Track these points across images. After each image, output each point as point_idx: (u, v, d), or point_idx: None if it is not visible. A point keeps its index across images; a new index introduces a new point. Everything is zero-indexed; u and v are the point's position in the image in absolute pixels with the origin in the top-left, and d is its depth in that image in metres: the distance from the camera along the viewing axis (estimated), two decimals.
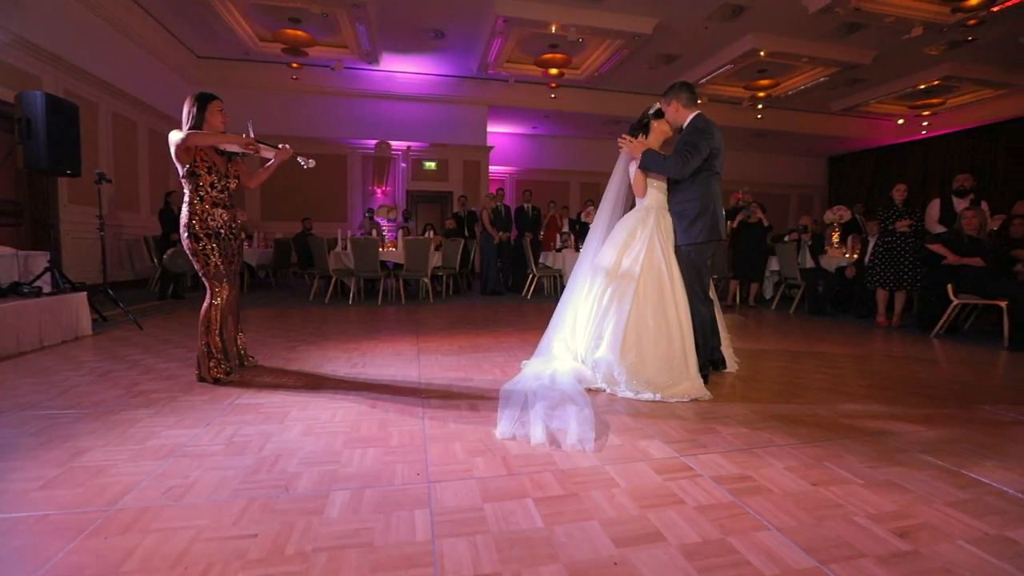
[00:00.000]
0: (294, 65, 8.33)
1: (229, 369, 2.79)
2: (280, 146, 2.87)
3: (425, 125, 10.51)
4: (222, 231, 2.75)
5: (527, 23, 7.77)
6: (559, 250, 8.03)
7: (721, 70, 9.54)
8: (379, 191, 10.49)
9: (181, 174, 2.68)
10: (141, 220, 7.96)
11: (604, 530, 1.35)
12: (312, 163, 2.99)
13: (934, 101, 10.57)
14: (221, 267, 2.71)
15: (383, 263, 6.73)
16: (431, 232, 7.98)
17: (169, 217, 6.54)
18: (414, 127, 10.43)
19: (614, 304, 2.76)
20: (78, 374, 2.88)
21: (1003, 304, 4.08)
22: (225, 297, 2.75)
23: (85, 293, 4.11)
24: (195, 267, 2.73)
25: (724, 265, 7.09)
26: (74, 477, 1.62)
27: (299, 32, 7.70)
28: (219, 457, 1.78)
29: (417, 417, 2.23)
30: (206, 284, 2.74)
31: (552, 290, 8.18)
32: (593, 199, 11.68)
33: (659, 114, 3.04)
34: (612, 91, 11.26)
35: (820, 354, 3.74)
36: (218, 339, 2.74)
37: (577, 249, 8.28)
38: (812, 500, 1.53)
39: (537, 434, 1.97)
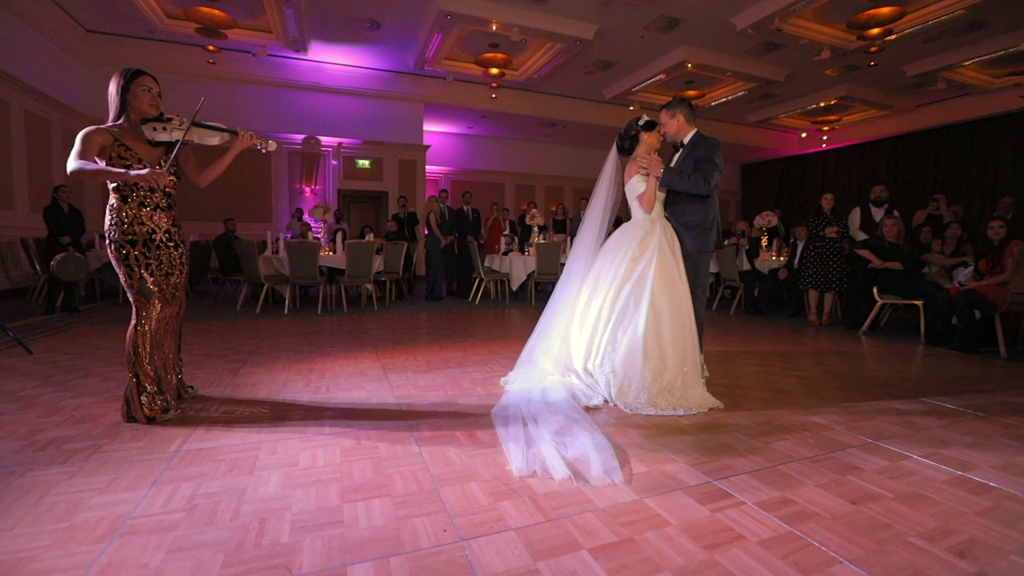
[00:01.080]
0: (210, 48, 7.43)
1: (167, 405, 2.32)
2: (240, 131, 2.44)
3: (358, 121, 9.90)
4: (156, 237, 2.28)
5: (470, 20, 7.54)
6: (505, 253, 7.89)
7: (653, 79, 9.92)
8: (308, 190, 9.72)
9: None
10: (17, 219, 6.70)
11: None
12: (272, 146, 2.58)
13: (831, 118, 11.77)
14: (148, 281, 2.23)
15: (320, 269, 6.19)
16: (371, 235, 7.50)
17: (58, 216, 5.54)
18: (345, 123, 9.77)
19: (629, 313, 2.67)
20: None
21: (919, 303, 4.54)
22: (156, 317, 2.27)
23: None
24: (121, 280, 2.24)
25: None
26: None
27: (216, 11, 6.88)
28: (184, 530, 1.42)
29: (412, 452, 1.97)
30: (131, 301, 2.26)
31: (499, 295, 8.01)
32: (535, 201, 11.73)
33: (648, 126, 2.99)
34: (547, 94, 11.33)
35: (778, 353, 3.93)
36: (149, 368, 2.26)
37: (522, 251, 8.21)
38: (861, 522, 1.50)
39: (559, 469, 1.79)
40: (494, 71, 9.00)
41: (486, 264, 7.91)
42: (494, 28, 7.87)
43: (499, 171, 13.66)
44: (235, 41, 7.74)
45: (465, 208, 8.16)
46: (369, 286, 6.60)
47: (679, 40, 8.55)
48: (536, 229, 8.24)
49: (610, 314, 2.72)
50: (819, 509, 1.57)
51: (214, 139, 2.42)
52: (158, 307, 2.28)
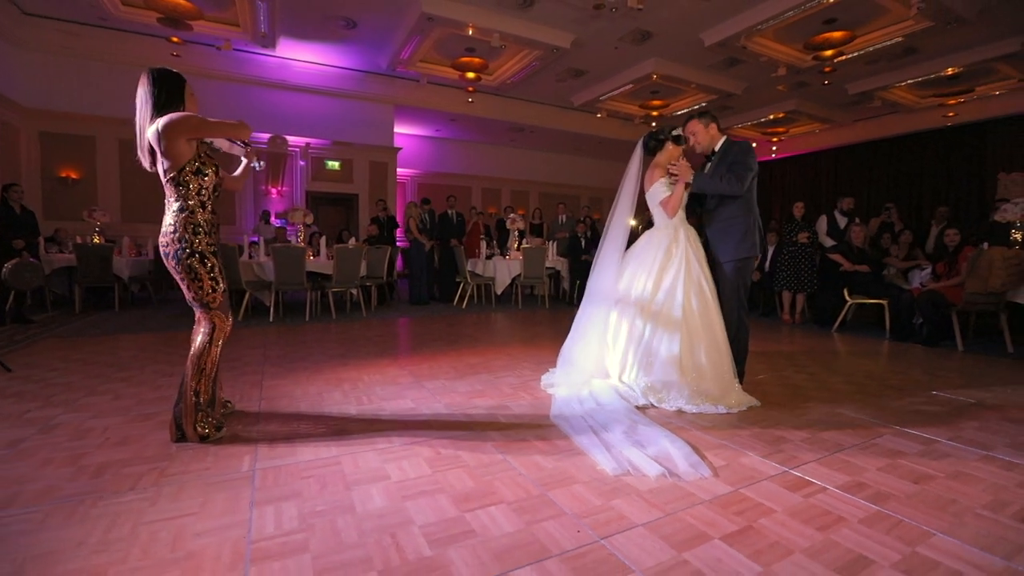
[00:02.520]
0: (174, 40, 6.97)
1: (219, 423, 2.21)
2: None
3: (326, 121, 9.59)
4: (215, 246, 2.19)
5: (451, 23, 7.52)
6: (489, 257, 7.92)
7: (621, 88, 10.29)
8: (274, 191, 9.30)
9: (169, 175, 2.06)
10: None
11: (820, 563, 1.33)
12: (262, 164, 2.58)
13: (780, 129, 12.67)
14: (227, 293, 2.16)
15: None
16: (352, 239, 7.31)
17: (9, 218, 5.02)
18: (314, 122, 9.44)
19: (662, 322, 2.77)
20: None
21: (885, 302, 5.03)
22: (228, 331, 2.18)
23: None
24: (190, 295, 2.12)
25: None
26: None
27: (182, 1, 6.47)
28: (316, 551, 1.39)
29: (498, 460, 2.00)
30: (203, 316, 2.15)
31: (482, 298, 8.03)
32: (512, 206, 11.82)
33: (678, 140, 3.05)
34: (518, 99, 11.45)
35: (778, 352, 4.22)
36: (211, 386, 2.15)
37: (502, 255, 8.27)
38: (930, 499, 1.70)
39: (651, 467, 1.88)
40: (471, 75, 9.02)
41: (468, 268, 7.91)
42: (470, 32, 7.91)
43: (466, 174, 13.65)
44: (200, 34, 7.31)
45: (449, 212, 8.13)
46: (354, 291, 6.44)
47: (650, 52, 8.93)
48: (517, 233, 8.34)
49: (643, 329, 2.81)
50: (891, 490, 1.76)
51: (238, 150, 2.40)
52: (229, 320, 2.18)
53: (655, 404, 2.66)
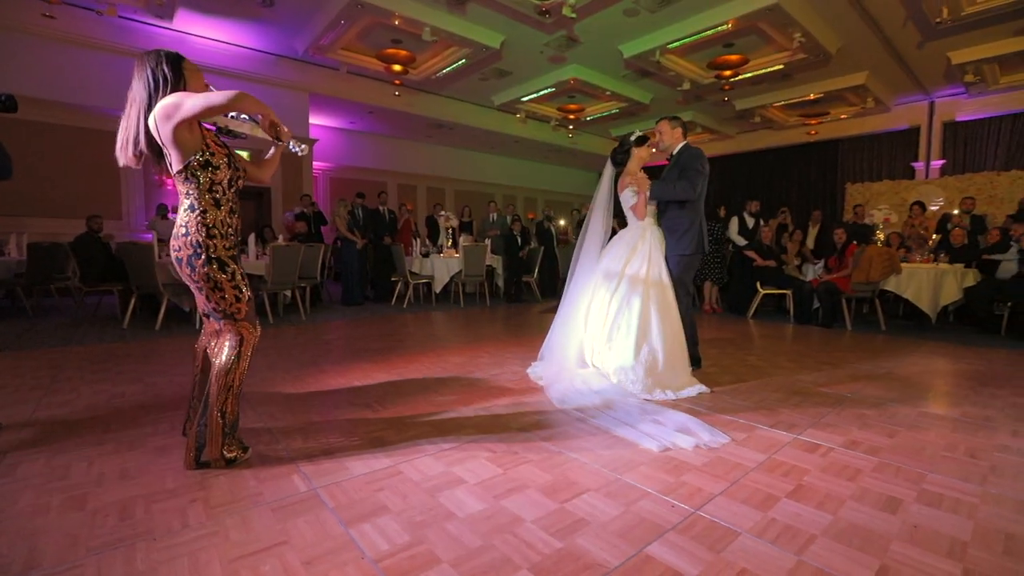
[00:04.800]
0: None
1: (243, 444, 2.01)
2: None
3: None
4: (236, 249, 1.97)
5: (382, 12, 7.23)
6: (425, 255, 7.79)
7: (542, 92, 10.68)
8: (170, 181, 8.17)
9: (177, 168, 1.81)
10: None
11: (869, 506, 1.64)
12: (304, 149, 2.28)
13: None
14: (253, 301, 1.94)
15: None
16: (281, 237, 6.74)
17: None
18: None
19: (623, 313, 3.06)
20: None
21: (789, 292, 5.91)
22: (255, 344, 1.97)
23: None
24: (209, 305, 1.88)
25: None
26: None
27: None
28: (451, 558, 1.38)
29: (554, 452, 2.08)
30: (228, 328, 1.92)
31: (420, 298, 7.88)
32: (441, 203, 11.64)
33: (640, 141, 3.43)
34: (438, 95, 11.32)
35: (723, 339, 4.77)
36: (237, 404, 1.94)
37: (437, 252, 8.17)
38: (907, 447, 2.13)
39: (685, 440, 2.13)
40: (397, 68, 8.74)
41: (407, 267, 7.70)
42: (397, 23, 7.68)
43: (382, 169, 13.16)
44: None
45: (381, 208, 7.82)
46: (288, 293, 5.98)
47: (573, 59, 9.38)
48: (450, 231, 8.30)
49: (606, 313, 3.12)
50: (876, 444, 2.17)
51: (268, 134, 2.15)
52: (258, 330, 1.97)
53: (616, 383, 2.92)
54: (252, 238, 5.86)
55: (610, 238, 3.46)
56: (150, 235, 7.62)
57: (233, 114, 1.96)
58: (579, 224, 8.57)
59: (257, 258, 5.83)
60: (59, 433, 2.26)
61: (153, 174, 8.10)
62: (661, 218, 3.38)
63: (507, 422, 2.45)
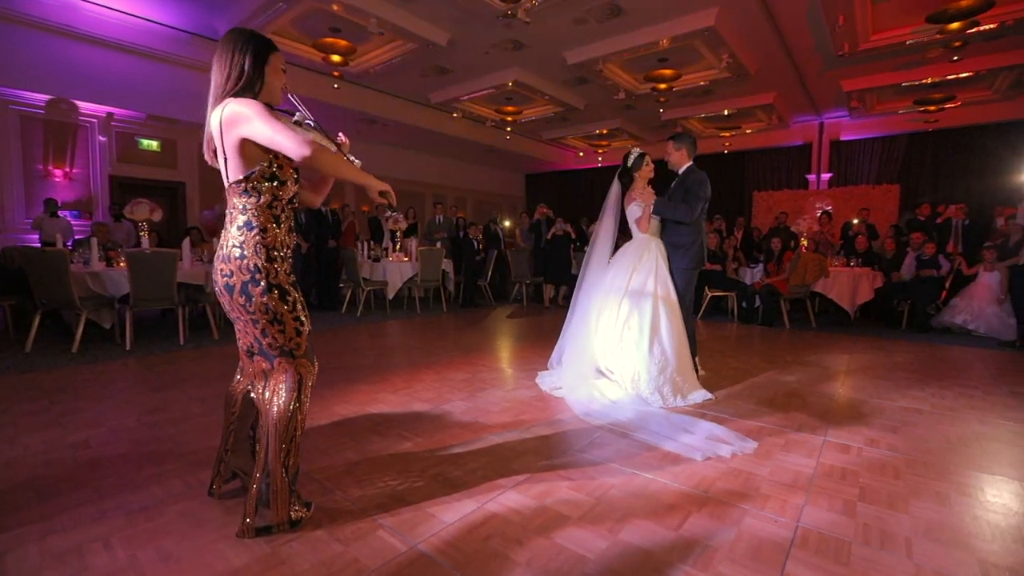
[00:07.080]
0: None
1: (305, 500, 1.76)
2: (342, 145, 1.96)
3: (139, 88, 7.50)
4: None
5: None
6: (376, 260, 7.39)
7: (482, 92, 10.59)
8: (60, 173, 6.90)
9: (236, 177, 1.53)
10: None
11: (927, 502, 1.85)
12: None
13: (604, 143, 14.66)
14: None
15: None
16: (216, 240, 5.98)
17: None
18: (122, 88, 7.29)
19: (633, 321, 3.18)
20: None
21: (734, 294, 6.46)
22: (313, 384, 1.72)
23: None
24: (264, 340, 1.61)
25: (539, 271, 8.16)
26: None
27: None
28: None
29: (630, 474, 2.09)
30: (285, 365, 1.65)
31: (371, 305, 7.46)
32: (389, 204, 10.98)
33: (639, 161, 3.55)
34: (373, 89, 10.76)
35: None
36: (298, 456, 1.69)
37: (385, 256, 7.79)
38: (916, 441, 2.43)
39: (724, 448, 2.30)
40: (336, 59, 8.15)
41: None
42: (335, 8, 7.18)
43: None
44: None
45: (323, 209, 7.26)
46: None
47: (516, 62, 9.41)
48: (399, 233, 7.95)
49: (616, 316, 3.25)
50: (892, 440, 2.45)
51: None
52: (315, 369, 1.72)
53: (629, 390, 3.05)
54: (187, 243, 5.14)
55: (614, 251, 3.57)
56: (35, 235, 6.46)
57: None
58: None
59: (194, 265, 5.15)
60: (31, 503, 1.82)
61: (36, 163, 6.79)
62: (665, 233, 3.52)
63: (557, 442, 2.42)
